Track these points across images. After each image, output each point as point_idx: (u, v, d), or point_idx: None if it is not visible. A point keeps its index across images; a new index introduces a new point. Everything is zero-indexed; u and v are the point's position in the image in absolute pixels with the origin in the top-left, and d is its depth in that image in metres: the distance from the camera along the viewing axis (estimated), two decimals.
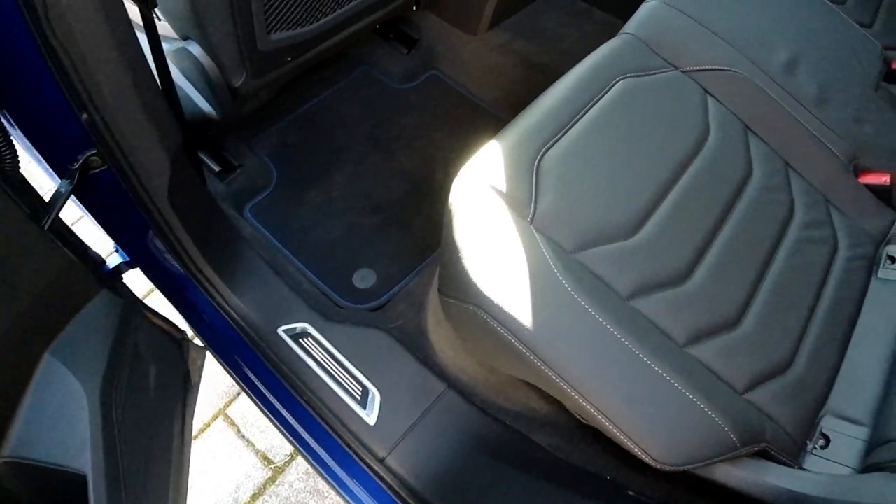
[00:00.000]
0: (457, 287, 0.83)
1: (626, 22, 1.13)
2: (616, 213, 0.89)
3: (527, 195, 0.87)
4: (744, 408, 0.81)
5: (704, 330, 0.84)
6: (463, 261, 0.82)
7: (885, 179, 1.06)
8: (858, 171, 1.08)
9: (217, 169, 1.34)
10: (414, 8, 1.46)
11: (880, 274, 1.01)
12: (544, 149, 0.91)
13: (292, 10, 1.09)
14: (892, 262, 1.02)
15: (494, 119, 1.51)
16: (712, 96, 1.06)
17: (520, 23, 1.68)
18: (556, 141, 0.92)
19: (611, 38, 1.10)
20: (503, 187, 0.87)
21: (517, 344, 0.78)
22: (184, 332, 1.08)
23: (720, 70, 1.06)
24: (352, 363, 1.10)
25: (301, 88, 1.51)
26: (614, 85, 1.01)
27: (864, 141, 1.10)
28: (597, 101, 0.98)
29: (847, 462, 0.83)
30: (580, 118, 0.96)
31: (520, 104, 1.02)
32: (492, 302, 0.79)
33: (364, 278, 1.28)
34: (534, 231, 0.84)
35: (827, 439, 0.85)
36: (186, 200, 1.04)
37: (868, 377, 0.89)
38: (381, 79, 1.56)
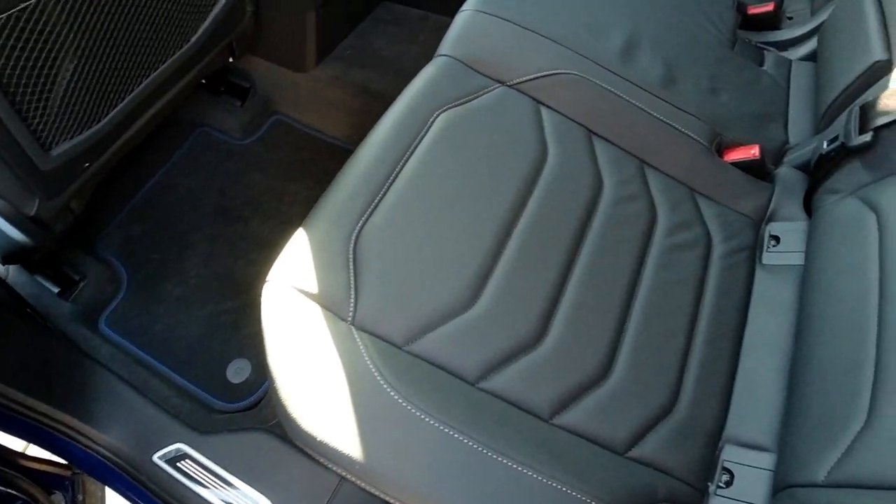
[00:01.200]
0: (284, 425, 0.73)
1: None
2: (450, 282, 0.78)
3: (344, 290, 0.75)
4: (628, 471, 0.72)
5: (570, 393, 0.75)
6: (280, 395, 0.71)
7: (753, 152, 0.96)
8: (723, 148, 0.99)
9: (56, 290, 1.20)
10: (231, 59, 1.32)
11: (764, 259, 0.92)
12: (359, 224, 0.79)
13: (66, 118, 0.94)
14: (777, 243, 0.93)
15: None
16: (546, 107, 0.95)
17: (351, 48, 1.55)
18: (373, 210, 0.81)
19: None
20: (315, 287, 0.75)
21: (353, 478, 0.68)
22: (72, 469, 0.99)
23: (549, 75, 0.95)
24: (237, 477, 1.00)
25: (135, 169, 1.37)
26: (434, 122, 0.89)
27: (723, 114, 1.01)
28: (415, 148, 0.87)
29: (755, 497, 0.75)
30: (398, 174, 0.84)
31: None
32: (314, 439, 0.68)
33: (239, 371, 1.16)
34: (355, 334, 0.73)
35: (731, 474, 0.77)
36: (11, 357, 0.93)
37: (765, 391, 0.80)
38: (220, 138, 1.42)
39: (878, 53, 0.89)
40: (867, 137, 0.80)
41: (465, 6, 1.02)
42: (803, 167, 0.98)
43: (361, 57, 1.53)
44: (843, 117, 0.88)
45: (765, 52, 1.18)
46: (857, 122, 0.83)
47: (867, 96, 0.86)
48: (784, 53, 1.20)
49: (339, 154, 1.39)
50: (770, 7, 1.23)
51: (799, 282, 0.87)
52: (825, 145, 0.88)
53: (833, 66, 1.00)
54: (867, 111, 0.83)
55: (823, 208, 0.88)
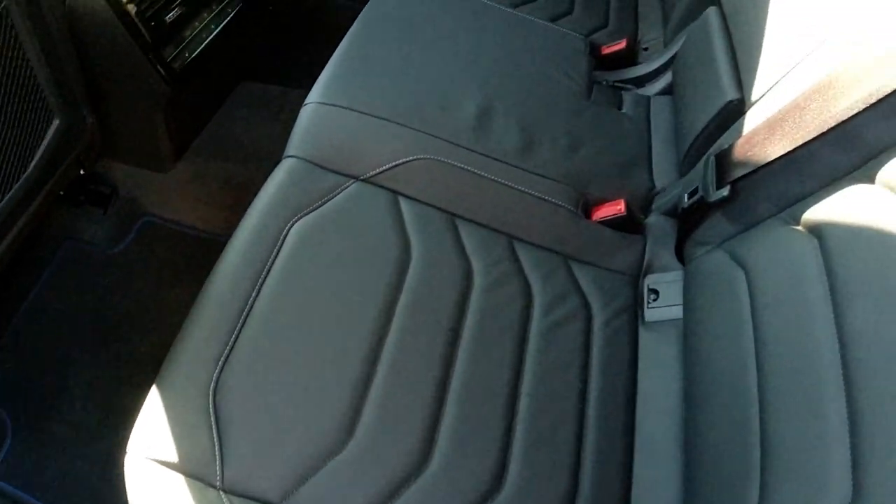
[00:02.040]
0: None
1: None
2: (322, 420, 0.73)
3: (208, 452, 0.69)
4: None
5: None
6: None
7: (619, 208, 0.96)
8: (590, 207, 0.98)
9: None
10: (81, 171, 1.24)
11: (647, 316, 0.91)
12: (216, 373, 0.73)
13: None
14: (657, 297, 0.93)
15: None
16: (405, 196, 0.91)
17: (210, 140, 1.48)
18: (230, 353, 0.75)
19: None
20: (175, 455, 0.69)
21: None
22: None
23: (403, 163, 0.92)
24: None
25: (3, 295, 1.26)
26: (287, 235, 0.85)
27: (585, 170, 1.00)
28: (269, 270, 0.81)
29: None
30: (252, 305, 0.79)
31: None
32: None
33: None
34: (225, 501, 0.68)
35: None
36: None
37: (666, 461, 0.79)
38: (89, 249, 1.32)
39: (731, 93, 0.90)
40: (725, 192, 0.80)
41: (308, 99, 0.98)
42: (672, 212, 0.98)
43: (223, 147, 1.46)
44: (700, 167, 0.88)
45: (622, 92, 1.18)
46: (714, 174, 0.83)
47: (722, 143, 0.87)
48: (642, 90, 1.20)
49: (217, 248, 1.32)
50: (622, 45, 1.24)
51: (682, 337, 0.86)
52: (686, 198, 0.88)
53: (688, 106, 1.01)
54: (723, 162, 0.82)
55: (694, 262, 0.88)
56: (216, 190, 1.40)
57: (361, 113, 0.95)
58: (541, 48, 1.15)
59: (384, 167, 0.91)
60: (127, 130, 1.26)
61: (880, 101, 0.64)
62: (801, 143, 0.70)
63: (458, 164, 0.92)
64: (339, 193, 0.89)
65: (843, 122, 0.66)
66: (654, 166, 1.05)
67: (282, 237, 0.84)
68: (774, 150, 0.72)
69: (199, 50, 1.23)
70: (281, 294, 0.80)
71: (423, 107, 0.97)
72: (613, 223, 0.96)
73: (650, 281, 0.94)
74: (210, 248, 1.34)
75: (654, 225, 0.97)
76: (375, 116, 0.95)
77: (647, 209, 1.01)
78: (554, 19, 1.29)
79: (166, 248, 1.33)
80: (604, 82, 1.20)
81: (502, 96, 1.02)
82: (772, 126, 0.74)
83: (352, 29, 1.08)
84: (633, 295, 0.93)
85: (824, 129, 0.68)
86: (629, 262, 0.95)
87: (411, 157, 0.92)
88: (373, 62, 1.02)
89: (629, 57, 1.26)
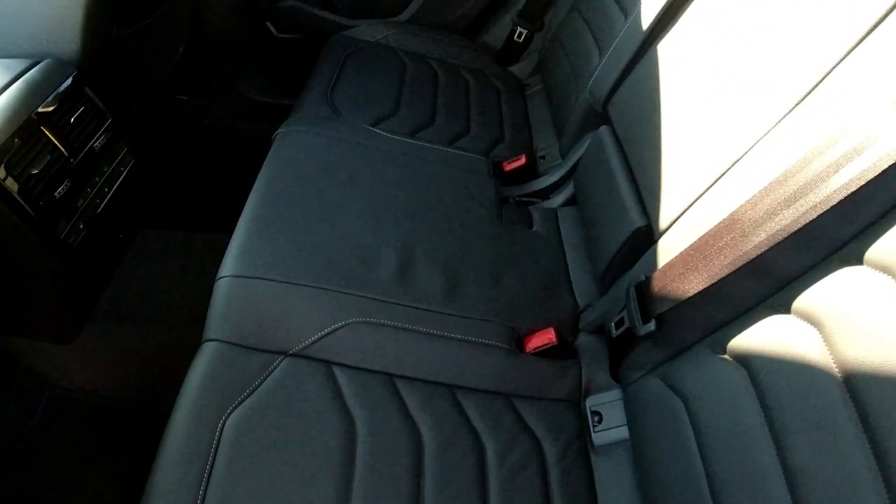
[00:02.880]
0: None
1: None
2: None
3: None
4: None
5: None
6: None
7: (549, 337, 0.97)
8: (522, 339, 0.99)
9: None
10: None
11: (595, 440, 0.92)
12: None
13: None
14: (600, 419, 0.94)
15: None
16: (339, 365, 0.89)
17: (114, 301, 1.40)
18: None
19: None
20: None
21: None
22: None
23: (332, 331, 0.90)
24: None
25: None
26: (222, 429, 0.80)
27: (512, 301, 1.01)
28: (210, 471, 0.75)
29: None
30: None
31: None
32: None
33: None
34: None
35: None
36: None
37: None
38: None
39: (638, 220, 0.94)
40: (651, 326, 0.83)
41: (220, 273, 0.94)
42: (599, 331, 1.01)
43: (128, 307, 1.38)
44: (622, 296, 0.91)
45: (530, 207, 1.23)
46: (638, 309, 0.85)
47: (639, 273, 0.90)
48: (547, 202, 1.25)
49: (133, 416, 1.24)
50: (523, 160, 1.29)
51: (632, 456, 0.88)
52: (614, 328, 0.91)
53: (597, 229, 1.05)
54: (644, 295, 0.85)
55: (631, 387, 0.90)
56: (126, 354, 1.32)
57: (279, 282, 0.92)
58: (447, 178, 1.18)
59: (313, 338, 0.89)
60: (23, 306, 1.17)
61: (786, 238, 0.68)
62: (716, 279, 0.74)
63: (389, 323, 0.91)
64: (269, 374, 0.85)
65: (754, 257, 0.71)
66: (574, 285, 1.08)
67: (217, 434, 0.79)
68: (692, 285, 0.76)
69: (94, 218, 1.16)
70: (228, 497, 0.74)
71: (343, 265, 0.96)
72: (547, 352, 0.97)
73: (591, 403, 0.95)
74: (125, 417, 1.25)
75: (586, 346, 1.00)
76: (294, 283, 0.92)
77: (575, 329, 1.03)
78: (453, 140, 1.33)
79: (79, 421, 1.22)
80: (511, 200, 1.24)
81: (419, 238, 1.03)
82: (686, 261, 0.78)
83: (254, 190, 1.06)
84: (579, 421, 0.93)
85: (737, 266, 0.72)
86: (569, 388, 0.96)
87: (340, 324, 0.90)
88: (281, 224, 1.00)
89: (530, 170, 1.31)
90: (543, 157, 1.38)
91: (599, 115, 1.18)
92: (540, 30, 1.74)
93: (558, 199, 1.24)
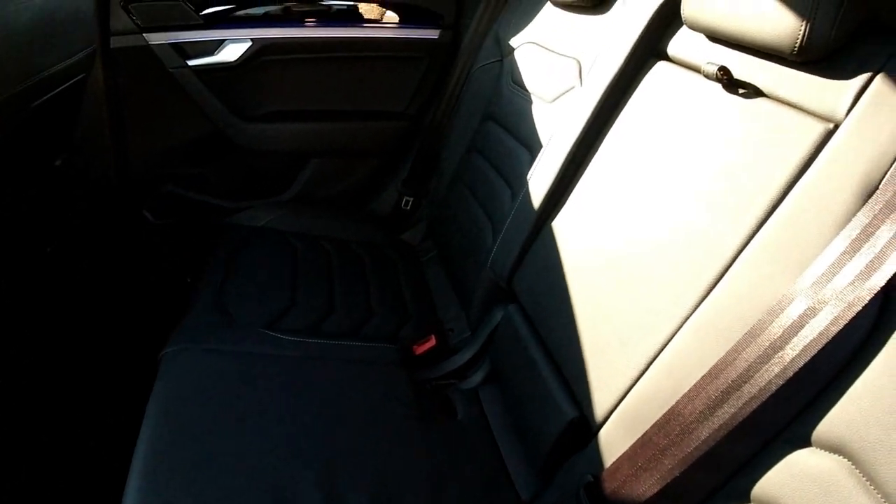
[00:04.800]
0: None
1: None
2: None
3: None
4: None
5: None
6: None
7: None
8: None
9: None
10: None
11: None
12: None
13: None
14: None
15: None
16: None
17: None
18: None
19: None
20: None
21: None
22: None
23: None
24: None
25: None
26: None
27: None
28: None
29: None
30: None
31: None
32: None
33: None
34: None
35: None
36: None
37: None
38: None
39: (569, 412, 0.91)
40: None
41: None
42: None
43: None
44: (569, 492, 0.85)
45: (449, 393, 1.17)
46: None
47: (584, 472, 0.85)
48: (465, 383, 1.20)
49: None
50: (433, 341, 1.24)
51: None
52: None
53: (527, 418, 1.01)
54: (597, 499, 0.80)
55: None
56: None
57: None
58: (358, 378, 1.10)
59: None
60: None
61: (733, 429, 0.66)
62: (669, 480, 0.70)
63: None
64: None
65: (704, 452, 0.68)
66: (513, 476, 1.01)
67: None
68: (647, 488, 0.72)
69: None
70: None
71: None
72: None
73: None
74: None
75: None
76: None
77: None
78: (358, 327, 1.27)
79: None
80: (427, 386, 1.18)
81: (342, 463, 0.92)
82: (633, 460, 0.75)
83: (144, 429, 0.92)
84: None
85: (688, 464, 0.69)
86: None
87: None
88: (179, 475, 0.86)
89: (442, 349, 1.26)
90: (452, 330, 1.34)
91: (505, 291, 1.17)
92: (426, 196, 1.77)
93: (476, 378, 1.19)
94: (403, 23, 1.77)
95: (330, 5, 1.80)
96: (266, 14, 1.74)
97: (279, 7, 1.73)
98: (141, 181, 1.72)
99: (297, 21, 1.70)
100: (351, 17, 1.82)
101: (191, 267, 1.42)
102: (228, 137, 1.69)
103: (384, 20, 1.89)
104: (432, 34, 1.73)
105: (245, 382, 1.03)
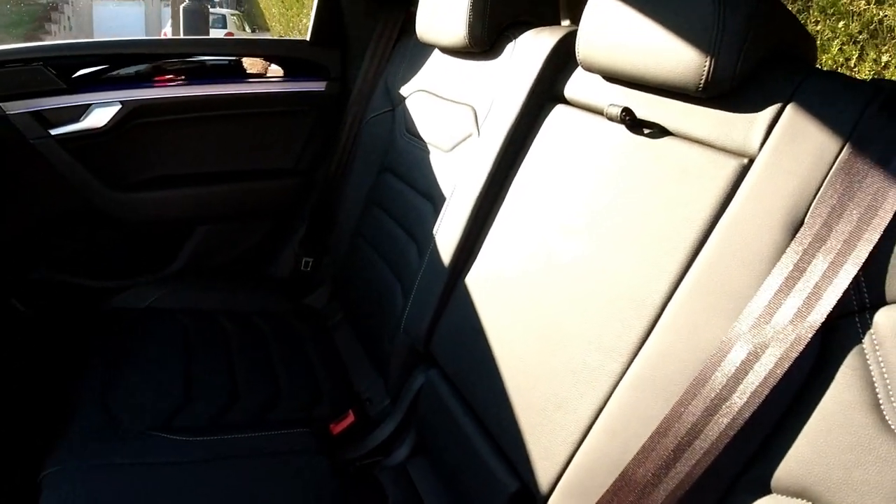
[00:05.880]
0: None
1: None
2: None
3: None
4: None
5: None
6: None
7: None
8: None
9: None
10: None
11: None
12: None
13: None
14: None
15: None
16: None
17: None
18: None
19: None
20: None
21: None
22: None
23: None
24: None
25: None
26: None
27: None
28: None
29: None
30: None
31: None
32: None
33: None
34: None
35: None
36: None
37: None
38: None
39: (510, 484, 0.84)
40: None
41: None
42: None
43: None
44: None
45: (376, 473, 1.06)
46: None
47: None
48: (391, 459, 1.10)
49: None
50: (351, 418, 1.14)
51: None
52: None
53: (464, 496, 0.93)
54: None
55: None
56: None
57: None
58: (272, 477, 0.97)
59: None
60: None
61: (690, 488, 0.62)
62: None
63: None
64: None
65: None
66: None
67: None
68: None
69: None
70: None
71: None
72: None
73: None
74: None
75: None
76: None
77: None
78: (265, 412, 1.14)
79: None
80: (350, 468, 1.07)
81: None
82: None
83: None
84: None
85: None
86: None
87: None
88: None
89: (362, 424, 1.16)
90: (370, 401, 1.24)
91: (423, 354, 1.10)
92: (327, 254, 1.67)
93: (403, 452, 1.10)
94: (288, 76, 1.69)
95: (204, 61, 1.68)
96: (137, 74, 1.60)
97: (150, 66, 1.60)
98: (6, 266, 1.50)
99: (171, 79, 1.57)
100: (231, 72, 1.71)
101: (69, 362, 1.24)
102: (101, 210, 1.52)
103: (268, 74, 1.80)
104: (319, 86, 1.66)
105: (143, 502, 0.88)
